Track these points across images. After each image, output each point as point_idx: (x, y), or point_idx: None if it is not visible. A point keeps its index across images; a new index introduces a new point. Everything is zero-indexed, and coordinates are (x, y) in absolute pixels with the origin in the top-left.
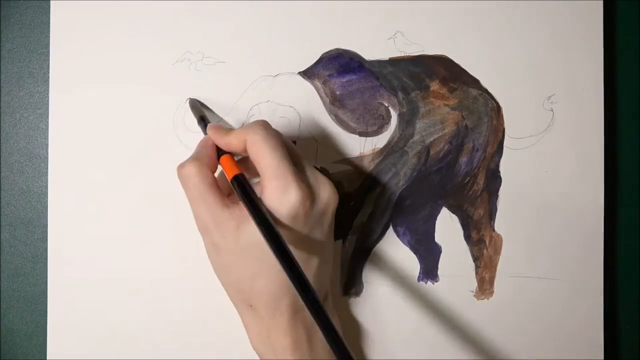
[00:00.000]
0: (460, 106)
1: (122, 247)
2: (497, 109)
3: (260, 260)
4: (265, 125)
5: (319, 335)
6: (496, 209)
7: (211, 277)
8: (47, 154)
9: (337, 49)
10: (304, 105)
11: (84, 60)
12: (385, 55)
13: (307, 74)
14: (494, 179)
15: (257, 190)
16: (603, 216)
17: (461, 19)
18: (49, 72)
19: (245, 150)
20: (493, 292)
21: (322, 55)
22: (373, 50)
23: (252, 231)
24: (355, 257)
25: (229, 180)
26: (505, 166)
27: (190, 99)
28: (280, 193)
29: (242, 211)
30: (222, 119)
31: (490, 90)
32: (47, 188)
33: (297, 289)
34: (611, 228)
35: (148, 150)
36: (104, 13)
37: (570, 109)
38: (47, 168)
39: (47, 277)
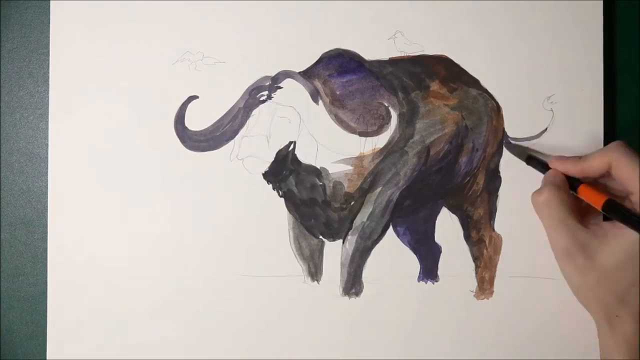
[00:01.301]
0: (460, 106)
1: (122, 247)
2: (497, 109)
3: (636, 271)
4: (625, 145)
5: None
6: (496, 209)
7: (212, 277)
8: (47, 154)
9: (337, 49)
10: (304, 105)
11: (83, 61)
12: (385, 55)
13: (307, 74)
14: (494, 179)
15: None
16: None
17: (461, 19)
18: (49, 72)
19: (604, 173)
20: (493, 292)
21: (322, 55)
22: (373, 50)
23: (625, 247)
24: (355, 257)
25: (599, 207)
26: (505, 166)
27: (510, 142)
28: None
29: (605, 229)
30: (541, 154)
31: (490, 90)
32: (47, 188)
33: None
34: None
35: (148, 150)
36: (103, 13)
37: (570, 109)
38: (47, 168)
39: (47, 277)
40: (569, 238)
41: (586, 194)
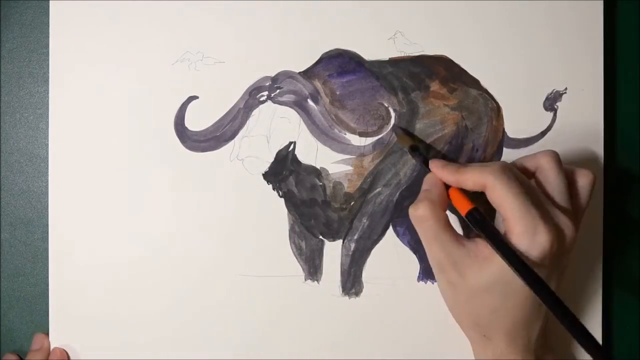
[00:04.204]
0: (460, 106)
1: (122, 247)
2: (497, 109)
3: (503, 296)
4: (505, 168)
5: None
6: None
7: (211, 277)
8: (47, 154)
9: (337, 49)
10: (304, 105)
11: (83, 60)
12: (385, 55)
13: (307, 74)
14: None
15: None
16: (603, 215)
17: (461, 19)
18: (49, 72)
19: (478, 191)
20: None
21: (322, 55)
22: (373, 50)
23: (493, 270)
24: (355, 257)
25: (463, 215)
26: None
27: (399, 127)
28: (529, 237)
29: (478, 248)
30: (432, 147)
31: (490, 90)
32: (47, 188)
33: (565, 325)
34: (611, 227)
35: (148, 150)
36: (103, 13)
37: (571, 109)
38: (47, 168)
39: (47, 277)
40: (443, 253)
41: (455, 198)
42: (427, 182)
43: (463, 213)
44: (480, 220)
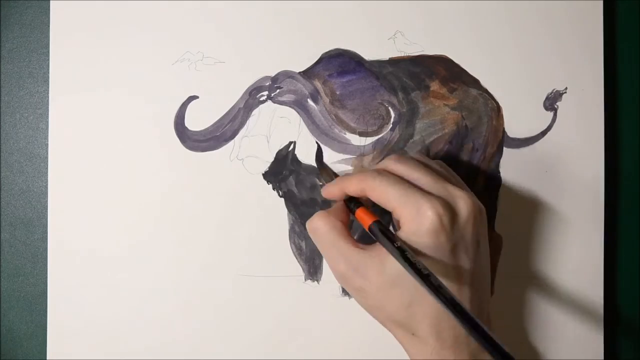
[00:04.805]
0: (460, 106)
1: (122, 247)
2: (497, 109)
3: (413, 287)
4: (379, 169)
5: (486, 357)
6: (496, 209)
7: (211, 277)
8: (47, 154)
9: (337, 49)
10: (304, 105)
11: (83, 60)
12: (385, 55)
13: (307, 74)
14: (494, 179)
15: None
16: (603, 216)
17: (461, 19)
18: (49, 72)
19: (363, 195)
20: (493, 292)
21: (322, 55)
22: (373, 50)
23: (394, 263)
24: None
25: (367, 230)
26: (505, 166)
27: (322, 163)
28: (415, 217)
29: (376, 248)
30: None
31: (490, 90)
32: (47, 188)
33: (453, 313)
34: (611, 228)
35: (148, 150)
36: (103, 13)
37: (571, 109)
38: (47, 168)
39: (47, 277)
40: (343, 261)
41: (361, 218)
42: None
43: (367, 227)
44: (382, 231)
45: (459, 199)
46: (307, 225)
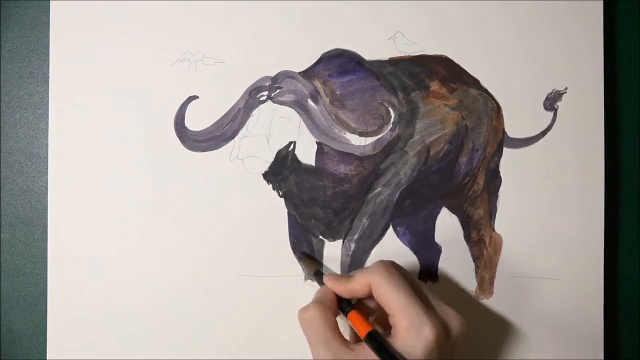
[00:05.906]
0: (460, 106)
1: (122, 247)
2: (497, 109)
3: None
4: (386, 267)
5: None
6: (496, 209)
7: (212, 277)
8: (47, 154)
9: (337, 49)
10: (304, 105)
11: (83, 60)
12: (385, 55)
13: (307, 74)
14: (494, 179)
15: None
16: (603, 216)
17: (461, 19)
18: (49, 72)
19: (368, 294)
20: (493, 292)
21: (322, 55)
22: (373, 50)
23: None
24: (355, 257)
25: (362, 337)
26: (505, 166)
27: (304, 254)
28: (415, 331)
29: (366, 351)
30: (332, 270)
31: (490, 90)
32: (47, 188)
33: None
34: (612, 228)
35: (148, 150)
36: (103, 13)
37: (571, 109)
38: (47, 168)
39: (47, 277)
40: (330, 356)
41: (354, 321)
42: (320, 291)
43: (362, 336)
44: (379, 342)
45: (453, 320)
46: (300, 315)
